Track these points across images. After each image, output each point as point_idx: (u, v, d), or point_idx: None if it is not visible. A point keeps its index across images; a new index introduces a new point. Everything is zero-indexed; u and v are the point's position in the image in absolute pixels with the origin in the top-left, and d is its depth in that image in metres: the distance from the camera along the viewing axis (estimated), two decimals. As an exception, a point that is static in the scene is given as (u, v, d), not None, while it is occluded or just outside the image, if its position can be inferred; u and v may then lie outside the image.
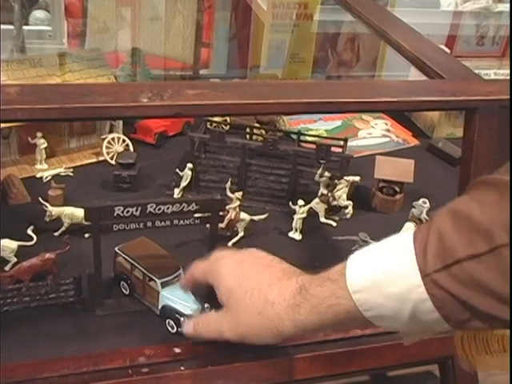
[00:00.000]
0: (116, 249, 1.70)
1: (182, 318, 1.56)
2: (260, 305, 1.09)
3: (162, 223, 1.59)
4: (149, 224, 1.58)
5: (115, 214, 1.54)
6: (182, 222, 1.61)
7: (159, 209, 1.57)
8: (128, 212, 1.55)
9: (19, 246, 1.74)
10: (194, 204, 1.59)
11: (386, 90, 1.50)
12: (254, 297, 1.12)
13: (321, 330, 1.10)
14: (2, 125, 2.05)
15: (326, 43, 2.83)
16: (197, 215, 1.62)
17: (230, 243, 1.89)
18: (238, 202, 1.87)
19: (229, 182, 1.93)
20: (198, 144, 2.18)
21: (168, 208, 1.57)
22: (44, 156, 2.17)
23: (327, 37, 2.79)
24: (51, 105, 1.22)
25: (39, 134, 2.13)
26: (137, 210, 1.55)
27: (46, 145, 2.15)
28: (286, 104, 1.33)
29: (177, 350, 1.45)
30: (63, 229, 1.89)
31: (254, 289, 1.13)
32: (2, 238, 1.74)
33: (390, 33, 1.84)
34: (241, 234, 1.91)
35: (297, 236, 1.97)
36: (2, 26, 2.43)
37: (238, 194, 1.89)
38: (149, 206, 1.56)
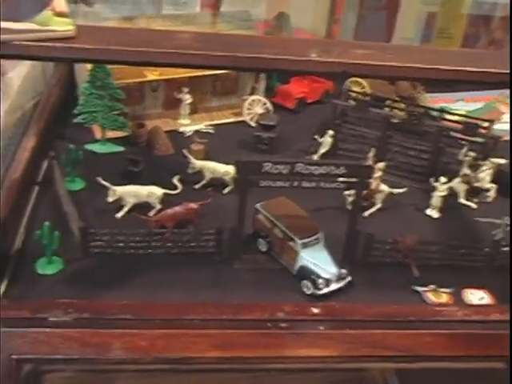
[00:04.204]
0: (257, 206, 1.72)
1: (319, 280, 1.56)
2: None
3: (308, 184, 1.59)
4: (295, 183, 1.58)
5: (263, 170, 1.55)
6: (327, 184, 1.59)
7: (307, 169, 1.56)
8: (276, 169, 1.55)
9: (164, 194, 1.79)
10: (342, 168, 1.57)
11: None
12: None
13: None
14: (153, 77, 2.12)
15: (479, 20, 2.70)
16: (342, 180, 1.60)
17: (366, 213, 1.86)
18: (380, 173, 1.84)
19: (372, 152, 1.90)
20: (338, 112, 2.15)
21: (316, 169, 1.56)
22: (187, 111, 2.22)
23: (480, 13, 2.67)
24: (223, 53, 1.24)
25: (185, 89, 2.18)
26: (285, 168, 1.56)
27: (191, 100, 2.20)
28: (458, 71, 1.28)
29: (315, 310, 1.45)
30: (204, 182, 1.92)
31: None
32: (149, 185, 1.80)
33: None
34: (378, 205, 1.88)
35: (434, 214, 1.91)
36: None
37: (381, 165, 1.85)
38: (297, 166, 1.56)
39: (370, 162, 1.86)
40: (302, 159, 1.56)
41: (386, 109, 2.26)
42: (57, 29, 1.22)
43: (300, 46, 1.28)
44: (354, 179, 1.60)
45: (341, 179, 1.60)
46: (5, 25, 1.23)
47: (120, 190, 1.76)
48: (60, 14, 1.27)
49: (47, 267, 1.60)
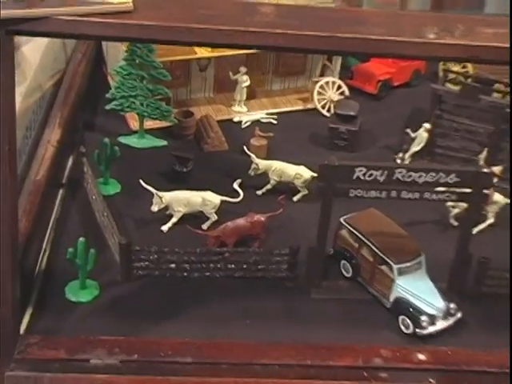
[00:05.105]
0: (341, 219, 1.68)
1: (422, 317, 1.52)
2: None
3: (410, 195, 1.55)
4: (393, 194, 1.55)
5: (355, 177, 1.52)
6: (433, 196, 1.55)
7: (409, 176, 1.52)
8: (371, 176, 1.52)
9: (222, 202, 1.76)
10: (453, 175, 1.53)
11: None
12: None
13: None
14: (203, 54, 2.08)
15: None
16: (449, 190, 1.56)
17: (475, 230, 1.80)
18: (495, 179, 1.78)
19: (485, 153, 1.85)
20: (434, 100, 2.10)
21: (420, 176, 1.52)
22: (244, 96, 2.18)
23: None
24: (317, 32, 1.19)
25: (243, 69, 2.14)
26: (382, 175, 1.52)
27: (248, 83, 2.16)
28: None
29: (421, 357, 1.41)
30: (269, 187, 1.89)
31: None
32: (205, 190, 1.77)
33: None
34: (490, 220, 1.84)
35: (561, 232, 1.85)
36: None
37: (498, 170, 1.80)
38: (397, 172, 1.52)
39: (483, 167, 1.80)
40: (402, 164, 1.51)
41: (495, 94, 2.20)
42: (111, 1, 1.19)
43: (415, 23, 1.23)
44: (467, 189, 1.56)
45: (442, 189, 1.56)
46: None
47: (168, 196, 1.73)
48: (111, -18, 1.24)
49: (80, 293, 1.59)
